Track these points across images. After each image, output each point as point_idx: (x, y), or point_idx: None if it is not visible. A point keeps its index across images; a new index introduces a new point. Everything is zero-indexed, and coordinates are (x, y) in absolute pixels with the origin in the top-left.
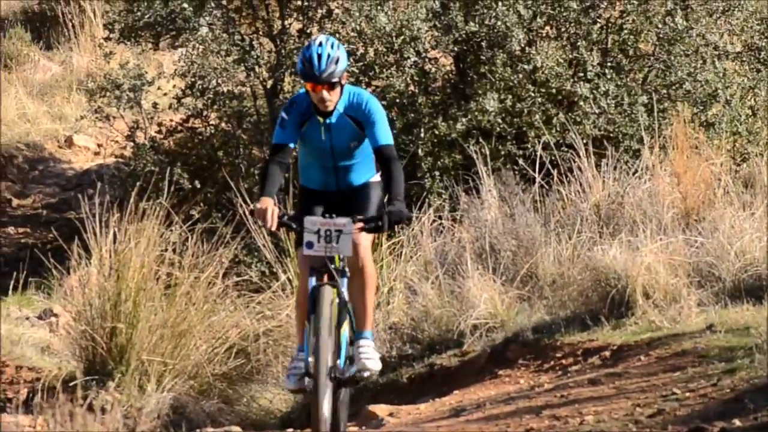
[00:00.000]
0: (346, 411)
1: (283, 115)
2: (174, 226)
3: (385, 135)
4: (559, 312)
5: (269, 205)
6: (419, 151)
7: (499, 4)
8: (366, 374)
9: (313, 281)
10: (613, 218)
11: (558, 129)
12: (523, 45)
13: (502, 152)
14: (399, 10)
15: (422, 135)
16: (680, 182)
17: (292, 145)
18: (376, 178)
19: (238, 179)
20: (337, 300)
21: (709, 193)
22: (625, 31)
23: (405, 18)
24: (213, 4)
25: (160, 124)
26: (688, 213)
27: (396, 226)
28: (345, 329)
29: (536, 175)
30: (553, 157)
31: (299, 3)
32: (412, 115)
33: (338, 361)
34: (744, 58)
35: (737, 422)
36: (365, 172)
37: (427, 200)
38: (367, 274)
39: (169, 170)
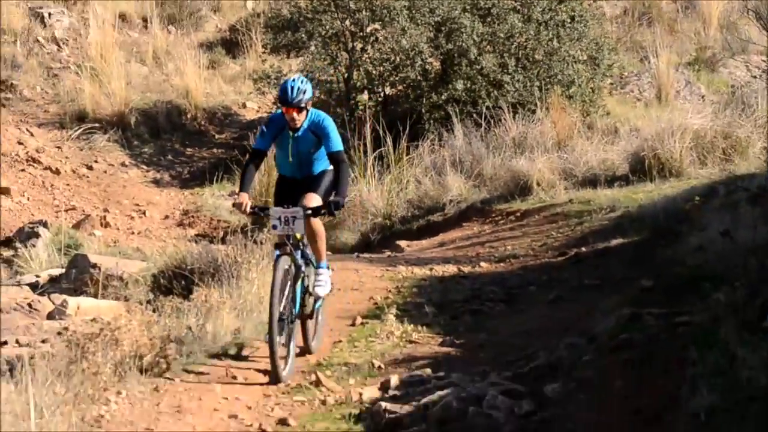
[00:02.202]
0: (320, 324)
1: (263, 128)
2: None
3: (337, 144)
4: (494, 193)
5: (244, 199)
6: (423, 110)
7: (463, 35)
8: (319, 297)
9: (276, 253)
10: (522, 144)
11: (494, 98)
12: (476, 56)
13: (465, 111)
14: (412, 36)
15: (423, 102)
16: (556, 126)
17: (266, 151)
18: (328, 168)
19: None
20: (292, 265)
21: (570, 132)
22: (528, 49)
23: (415, 42)
24: (317, 35)
25: None
26: (559, 142)
27: (336, 212)
28: (299, 285)
29: (482, 122)
30: (491, 113)
31: (360, 34)
32: (418, 91)
33: (294, 309)
34: (588, 63)
35: (584, 249)
36: (321, 165)
37: (426, 135)
38: (317, 231)
39: None
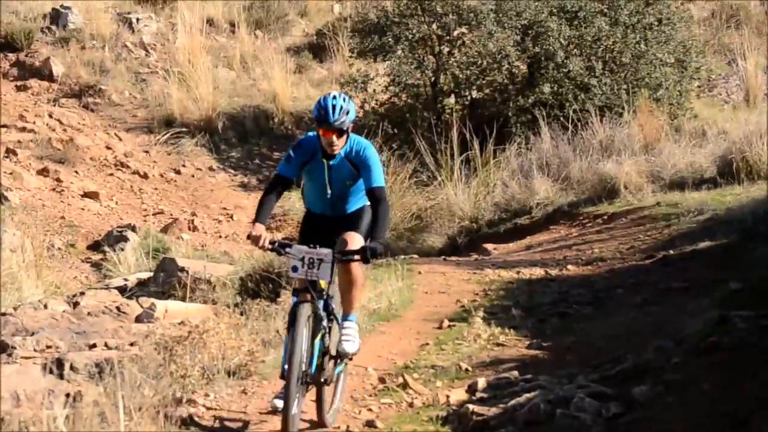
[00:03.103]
0: (341, 390)
1: (290, 152)
2: (384, 152)
3: (378, 178)
4: (581, 196)
5: (261, 231)
6: (509, 113)
7: (550, 38)
8: (347, 353)
9: (294, 299)
10: (609, 148)
11: (581, 102)
12: (562, 59)
13: (552, 114)
14: (499, 40)
15: (510, 105)
16: (643, 129)
17: (292, 179)
18: (366, 204)
19: (416, 128)
20: (313, 316)
21: (657, 135)
22: (615, 52)
23: (501, 45)
24: (403, 39)
25: (377, 100)
26: (647, 145)
27: (372, 260)
28: (317, 341)
29: (569, 126)
30: (578, 117)
31: (447, 38)
32: (505, 95)
33: (311, 369)
34: (675, 66)
35: (671, 252)
36: (357, 202)
37: (512, 139)
38: (355, 278)
39: (381, 123)
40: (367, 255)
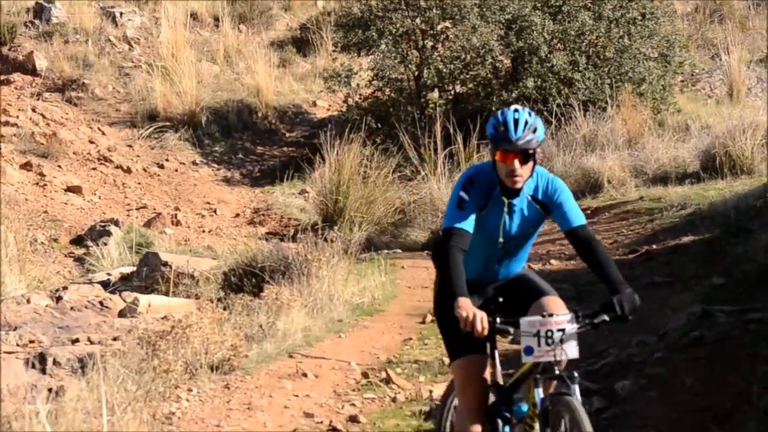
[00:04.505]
0: None
1: (462, 194)
2: (367, 146)
3: (578, 214)
4: None
5: (474, 310)
6: (493, 107)
7: (534, 33)
8: None
9: (539, 393)
10: (592, 142)
11: (564, 96)
12: (546, 53)
13: (535, 108)
14: (483, 34)
15: (494, 99)
16: (627, 123)
17: (470, 232)
18: (524, 268)
19: (399, 122)
20: (565, 410)
21: (641, 129)
22: (598, 46)
23: (485, 39)
24: (387, 33)
25: (360, 95)
26: (630, 139)
27: (630, 315)
28: None
29: (553, 120)
30: (561, 111)
31: (431, 32)
32: (489, 89)
33: None
34: (659, 61)
35: (654, 246)
36: (523, 259)
37: None
38: None
39: (365, 118)
40: (624, 310)
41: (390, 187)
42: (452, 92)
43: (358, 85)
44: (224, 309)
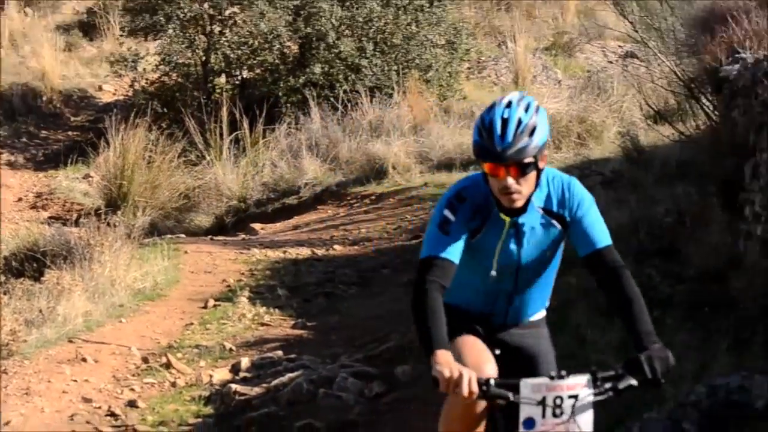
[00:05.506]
0: None
1: (446, 214)
2: (153, 131)
3: (604, 233)
4: (349, 176)
5: (459, 367)
6: (280, 93)
7: (322, 19)
8: None
9: None
10: (378, 128)
11: (351, 82)
12: (334, 39)
13: (322, 95)
14: (270, 20)
15: (281, 85)
16: (413, 110)
17: (455, 262)
18: (543, 313)
19: (186, 107)
20: None
21: (426, 116)
22: (386, 33)
23: (273, 25)
24: (175, 18)
25: (146, 79)
26: (416, 126)
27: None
28: None
29: (339, 106)
30: (348, 97)
31: (219, 17)
32: (276, 75)
33: None
34: (445, 48)
35: None
36: (542, 300)
37: (282, 119)
38: None
39: (151, 103)
40: (657, 373)
41: (175, 172)
42: (239, 78)
43: (144, 69)
44: (4, 294)
